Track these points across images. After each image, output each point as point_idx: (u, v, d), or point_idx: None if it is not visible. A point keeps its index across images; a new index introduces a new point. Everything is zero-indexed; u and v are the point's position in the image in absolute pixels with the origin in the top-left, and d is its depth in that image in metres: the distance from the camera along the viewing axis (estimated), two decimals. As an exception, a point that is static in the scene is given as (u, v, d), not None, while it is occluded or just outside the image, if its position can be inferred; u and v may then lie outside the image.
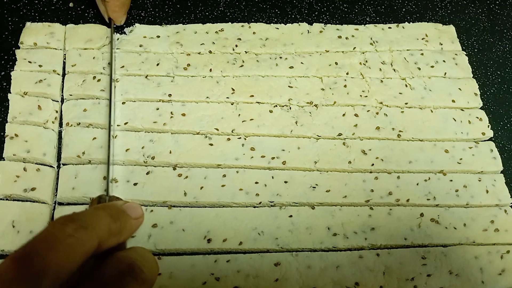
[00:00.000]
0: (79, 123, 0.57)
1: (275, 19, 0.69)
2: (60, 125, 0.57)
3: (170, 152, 0.56)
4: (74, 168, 0.54)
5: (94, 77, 0.60)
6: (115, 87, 0.59)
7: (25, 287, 0.24)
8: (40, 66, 0.60)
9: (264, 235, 0.52)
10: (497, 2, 0.75)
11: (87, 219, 0.28)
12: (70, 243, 0.26)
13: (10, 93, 0.58)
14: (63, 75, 0.60)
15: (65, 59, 0.62)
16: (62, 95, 0.59)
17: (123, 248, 0.31)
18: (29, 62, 0.60)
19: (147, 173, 0.55)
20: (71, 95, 0.59)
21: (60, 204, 0.53)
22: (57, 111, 0.58)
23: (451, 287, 0.51)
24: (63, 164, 0.55)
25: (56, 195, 0.53)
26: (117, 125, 0.57)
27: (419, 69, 0.65)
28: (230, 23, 0.67)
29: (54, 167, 0.55)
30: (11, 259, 0.25)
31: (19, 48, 0.62)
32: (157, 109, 0.59)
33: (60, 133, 0.57)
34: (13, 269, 0.25)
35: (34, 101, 0.57)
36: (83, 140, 0.56)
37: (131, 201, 0.33)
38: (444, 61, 0.66)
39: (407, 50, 0.67)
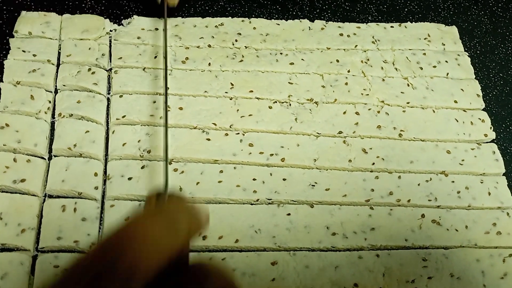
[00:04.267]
0: (72, 114, 0.55)
1: (276, 16, 0.68)
2: (53, 116, 0.56)
3: (166, 147, 0.55)
4: (65, 160, 0.52)
5: (89, 69, 0.58)
6: (166, 79, 0.55)
7: (119, 280, 0.22)
8: (34, 55, 0.58)
9: (261, 233, 0.51)
10: (500, 5, 0.74)
11: (174, 216, 0.26)
12: (161, 242, 0.25)
13: (3, 82, 0.56)
14: (58, 65, 0.59)
15: (60, 49, 0.60)
16: (56, 86, 0.58)
17: (187, 252, 0.29)
18: (23, 51, 0.59)
19: (142, 167, 0.53)
20: (64, 85, 0.57)
21: (50, 196, 0.51)
22: (50, 102, 0.56)
23: (452, 290, 0.50)
24: (55, 156, 0.53)
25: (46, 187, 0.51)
26: (116, 119, 0.55)
27: (421, 68, 0.64)
28: (230, 17, 0.66)
29: (45, 159, 0.53)
30: (102, 250, 0.23)
31: (13, 37, 0.60)
32: (154, 102, 0.57)
33: (52, 124, 0.55)
34: (103, 263, 0.23)
35: (27, 90, 0.56)
36: (76, 132, 0.54)
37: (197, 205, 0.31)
38: (446, 61, 0.65)
39: (409, 49, 0.66)
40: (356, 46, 0.65)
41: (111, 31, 0.63)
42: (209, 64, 0.61)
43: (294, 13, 0.69)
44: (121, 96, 0.57)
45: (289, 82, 0.61)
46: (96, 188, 0.51)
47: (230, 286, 0.26)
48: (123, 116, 0.55)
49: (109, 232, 0.24)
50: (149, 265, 0.24)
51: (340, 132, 0.58)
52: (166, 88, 0.55)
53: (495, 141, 0.60)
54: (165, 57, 0.57)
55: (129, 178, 0.52)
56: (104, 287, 0.22)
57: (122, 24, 0.63)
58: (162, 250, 0.25)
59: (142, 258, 0.23)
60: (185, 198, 0.33)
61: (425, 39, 0.67)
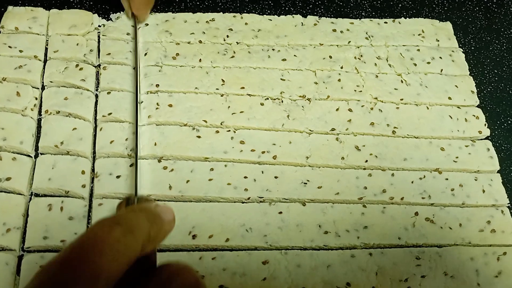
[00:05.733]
0: (59, 111, 0.54)
1: (268, 11, 0.67)
2: (40, 113, 0.55)
3: (155, 144, 0.54)
4: (52, 158, 0.51)
5: (77, 65, 0.57)
6: (138, 88, 0.56)
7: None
8: (20, 51, 0.57)
9: (252, 232, 0.50)
10: (494, 0, 0.74)
11: (131, 222, 0.27)
12: (119, 248, 0.25)
13: (-12, 78, 0.55)
14: (45, 61, 0.58)
15: (47, 45, 0.59)
16: (43, 82, 0.56)
17: (154, 254, 0.30)
18: (10, 47, 0.58)
19: (131, 165, 0.52)
20: (51, 81, 0.56)
21: (36, 195, 0.50)
22: (36, 98, 0.55)
23: (446, 289, 0.49)
24: (41, 154, 0.52)
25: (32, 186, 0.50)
26: (102, 116, 0.54)
27: (415, 65, 0.63)
28: (221, 13, 0.65)
29: (31, 157, 0.52)
30: (61, 262, 0.24)
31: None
32: (142, 102, 0.56)
33: (39, 121, 0.54)
34: (64, 273, 0.23)
35: (13, 87, 0.55)
36: (63, 129, 0.53)
37: (163, 205, 0.32)
38: (440, 57, 0.64)
39: (403, 45, 0.65)
40: (349, 42, 0.64)
41: (99, 26, 0.61)
42: (200, 60, 0.60)
43: (287, 8, 0.68)
44: (109, 93, 0.56)
45: (281, 79, 0.60)
46: (84, 186, 0.50)
47: (196, 284, 0.27)
48: (109, 114, 0.54)
49: (68, 244, 0.25)
50: (110, 271, 0.24)
51: (333, 129, 0.57)
52: (137, 112, 0.54)
53: (490, 138, 0.60)
54: (137, 75, 0.56)
55: (118, 176, 0.51)
56: None
57: (111, 19, 0.62)
58: (120, 255, 0.25)
59: (102, 264, 0.24)
60: (150, 202, 0.34)
61: (419, 35, 0.66)
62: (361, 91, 0.60)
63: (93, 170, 0.52)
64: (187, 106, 0.56)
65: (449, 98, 0.61)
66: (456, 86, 0.62)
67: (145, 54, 0.60)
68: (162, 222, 0.29)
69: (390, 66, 0.63)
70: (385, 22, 0.67)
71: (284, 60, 0.61)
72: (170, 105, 0.56)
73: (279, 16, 0.66)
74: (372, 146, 0.56)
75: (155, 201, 0.38)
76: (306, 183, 0.53)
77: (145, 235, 0.27)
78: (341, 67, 0.62)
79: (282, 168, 0.54)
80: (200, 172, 0.53)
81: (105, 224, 0.26)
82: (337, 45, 0.64)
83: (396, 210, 0.53)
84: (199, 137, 0.55)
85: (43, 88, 0.56)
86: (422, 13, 0.70)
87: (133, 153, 0.52)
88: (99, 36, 0.61)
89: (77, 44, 0.58)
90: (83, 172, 0.51)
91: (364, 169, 0.55)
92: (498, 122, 0.62)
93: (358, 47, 0.64)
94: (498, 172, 0.57)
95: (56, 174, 0.50)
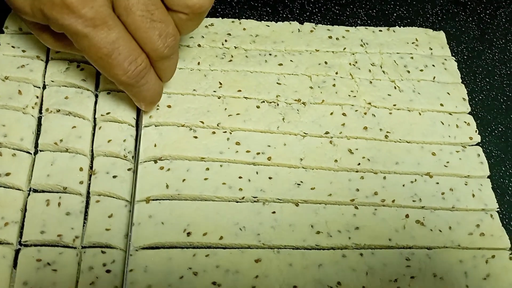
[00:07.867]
0: (59, 110, 0.55)
1: (266, 17, 0.69)
2: (40, 111, 0.56)
3: (155, 146, 0.55)
4: (51, 155, 0.52)
5: (78, 65, 0.59)
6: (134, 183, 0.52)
7: None
8: (23, 51, 0.59)
9: (246, 230, 0.51)
10: (487, 11, 0.76)
11: None
12: None
13: (-10, 77, 0.56)
14: (47, 61, 0.59)
15: (49, 45, 0.60)
16: (44, 81, 0.58)
17: None
18: (13, 47, 0.59)
19: (129, 169, 0.53)
20: (53, 81, 0.57)
21: (35, 191, 0.51)
22: (37, 97, 0.56)
23: (435, 290, 0.50)
24: (40, 150, 0.53)
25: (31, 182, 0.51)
26: (101, 115, 0.56)
27: (409, 72, 0.65)
28: (220, 18, 0.66)
29: (31, 153, 0.53)
30: None
31: (3, 32, 0.60)
32: (142, 101, 0.57)
33: (39, 119, 0.55)
34: None
35: (14, 85, 0.56)
36: (62, 127, 0.54)
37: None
38: (433, 65, 0.66)
39: (397, 53, 0.67)
40: (344, 48, 0.66)
41: (101, 29, 0.63)
42: (198, 63, 0.61)
43: (284, 15, 0.70)
44: (108, 93, 0.57)
45: (277, 83, 0.61)
46: (81, 183, 0.51)
47: None
48: (108, 113, 0.55)
49: None
50: None
51: (326, 133, 0.58)
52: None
53: (480, 144, 0.61)
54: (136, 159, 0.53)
55: (114, 176, 0.52)
56: None
57: (113, 22, 0.64)
58: None
59: None
60: None
61: (412, 43, 0.68)
62: (355, 96, 0.62)
63: (91, 167, 0.53)
64: (185, 107, 0.58)
65: (441, 104, 0.63)
66: (448, 93, 0.64)
67: (145, 57, 0.61)
68: None
69: (384, 72, 0.64)
70: (380, 30, 0.69)
71: (280, 64, 0.63)
72: (169, 106, 0.57)
73: (276, 23, 0.67)
74: (365, 150, 0.58)
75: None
76: (299, 184, 0.54)
77: None
78: (336, 73, 0.63)
79: (276, 169, 0.55)
80: (196, 171, 0.54)
81: None
82: (333, 52, 0.65)
83: (387, 212, 0.54)
84: (196, 137, 0.56)
85: (44, 87, 0.57)
86: (416, 22, 0.72)
87: (131, 156, 0.53)
88: (100, 38, 0.62)
89: (79, 45, 0.60)
90: (81, 169, 0.52)
91: (357, 171, 0.56)
92: (489, 129, 0.63)
93: (353, 54, 0.66)
94: (488, 177, 0.58)
95: (54, 171, 0.51)
